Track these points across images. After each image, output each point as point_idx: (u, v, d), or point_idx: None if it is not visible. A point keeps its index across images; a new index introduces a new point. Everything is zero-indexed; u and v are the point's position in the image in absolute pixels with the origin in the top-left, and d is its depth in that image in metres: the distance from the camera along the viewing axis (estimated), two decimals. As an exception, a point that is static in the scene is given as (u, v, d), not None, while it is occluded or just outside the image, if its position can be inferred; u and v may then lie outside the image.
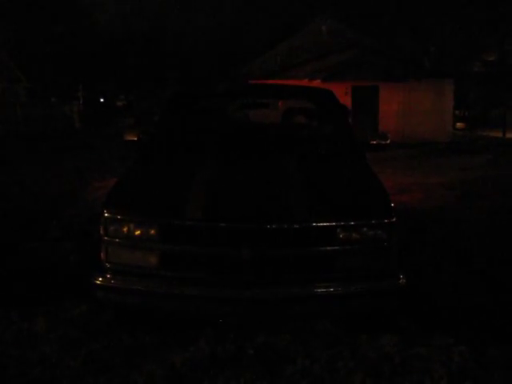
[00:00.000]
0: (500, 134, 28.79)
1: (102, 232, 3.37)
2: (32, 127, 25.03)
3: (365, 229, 3.30)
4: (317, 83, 22.06)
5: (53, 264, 5.10)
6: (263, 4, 35.11)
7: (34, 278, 4.69)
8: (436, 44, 32.59)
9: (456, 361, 3.25)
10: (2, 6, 30.98)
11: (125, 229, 3.31)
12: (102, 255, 3.37)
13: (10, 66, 30.51)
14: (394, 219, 3.35)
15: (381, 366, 3.17)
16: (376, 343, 3.41)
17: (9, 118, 24.49)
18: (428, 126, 24.05)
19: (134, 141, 4.82)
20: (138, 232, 3.30)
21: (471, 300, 4.27)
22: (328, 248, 3.25)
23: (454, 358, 3.27)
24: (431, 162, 15.00)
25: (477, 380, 3.09)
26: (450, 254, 5.52)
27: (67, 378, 3.05)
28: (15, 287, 4.47)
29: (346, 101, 21.54)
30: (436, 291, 4.46)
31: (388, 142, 4.87)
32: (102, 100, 42.32)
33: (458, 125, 36.77)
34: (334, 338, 3.47)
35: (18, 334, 3.58)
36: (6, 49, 30.46)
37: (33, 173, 11.78)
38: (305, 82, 22.03)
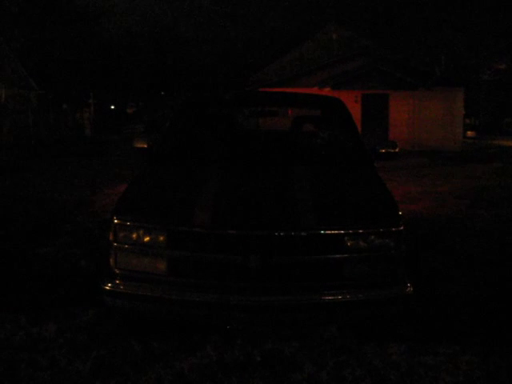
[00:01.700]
0: (511, 143, 28.68)
1: (111, 238, 3.40)
2: (43, 134, 25.23)
3: (372, 237, 3.31)
4: (326, 91, 22.12)
5: (62, 269, 5.14)
6: (273, 11, 35.21)
7: (43, 283, 4.74)
8: (446, 52, 32.53)
9: (463, 369, 3.24)
10: (14, 14, 31.31)
11: (134, 235, 3.34)
12: (112, 261, 3.40)
13: (21, 73, 30.80)
14: (402, 227, 3.36)
15: (388, 374, 3.17)
16: (383, 351, 3.42)
17: (20, 124, 24.69)
18: (438, 134, 24.03)
19: (143, 148, 4.85)
20: (147, 238, 3.33)
21: (479, 308, 4.26)
22: (335, 256, 3.26)
23: (461, 367, 3.27)
24: (441, 171, 14.96)
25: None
26: (458, 262, 5.50)
27: (76, 383, 3.08)
28: (25, 292, 4.51)
29: (356, 109, 21.58)
30: (443, 299, 4.45)
31: (397, 150, 4.88)
32: (112, 107, 42.57)
33: (469, 133, 36.69)
34: (341, 345, 3.47)
35: (27, 338, 3.61)
36: (17, 56, 30.74)
37: (43, 179, 11.88)
38: (314, 90, 22.11)
